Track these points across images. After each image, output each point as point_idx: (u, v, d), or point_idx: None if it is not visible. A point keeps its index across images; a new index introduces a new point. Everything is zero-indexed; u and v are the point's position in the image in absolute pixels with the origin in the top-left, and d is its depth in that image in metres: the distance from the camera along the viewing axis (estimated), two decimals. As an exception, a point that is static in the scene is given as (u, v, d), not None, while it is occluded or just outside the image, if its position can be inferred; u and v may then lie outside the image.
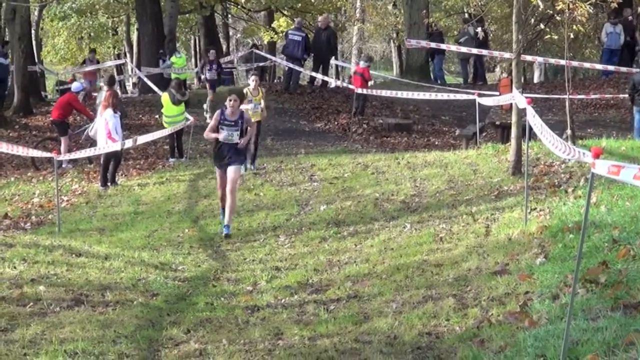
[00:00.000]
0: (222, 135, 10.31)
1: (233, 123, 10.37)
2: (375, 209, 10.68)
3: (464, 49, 22.59)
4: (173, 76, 22.00)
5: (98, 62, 25.50)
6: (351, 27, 40.53)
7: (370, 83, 21.44)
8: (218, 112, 10.57)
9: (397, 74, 32.47)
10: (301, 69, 21.83)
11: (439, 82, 23.65)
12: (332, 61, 24.92)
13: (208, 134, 10.54)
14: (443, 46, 22.61)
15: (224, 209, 10.62)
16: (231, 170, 10.39)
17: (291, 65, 21.65)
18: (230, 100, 10.47)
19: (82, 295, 6.97)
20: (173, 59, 23.66)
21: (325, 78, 22.66)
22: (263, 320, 6.42)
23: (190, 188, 13.48)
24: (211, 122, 10.60)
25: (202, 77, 21.68)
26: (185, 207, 12.21)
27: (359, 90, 19.02)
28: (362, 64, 20.68)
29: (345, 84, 22.92)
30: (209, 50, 22.35)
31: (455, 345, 5.39)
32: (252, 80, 13.65)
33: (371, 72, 21.17)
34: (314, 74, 22.45)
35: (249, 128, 10.90)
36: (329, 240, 9.46)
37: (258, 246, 9.53)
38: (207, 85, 20.82)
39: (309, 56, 22.27)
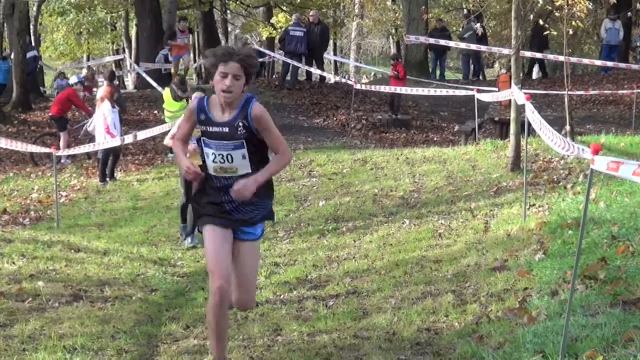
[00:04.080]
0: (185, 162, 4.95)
1: (227, 128, 4.77)
2: (374, 205, 10.67)
3: (462, 45, 22.55)
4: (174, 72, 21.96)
5: (191, 32, 24.01)
6: (350, 23, 40.51)
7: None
8: (193, 102, 4.94)
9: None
10: (301, 65, 21.79)
11: (442, 79, 23.62)
12: (331, 57, 24.85)
13: (174, 146, 5.20)
14: (442, 42, 22.55)
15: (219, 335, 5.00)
16: (245, 252, 5.01)
17: (290, 61, 21.60)
18: (222, 77, 4.67)
19: (81, 291, 6.97)
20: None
21: (323, 73, 22.62)
22: (262, 317, 6.42)
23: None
24: (181, 125, 5.20)
25: None
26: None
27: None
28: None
29: (344, 80, 22.86)
30: None
31: (454, 342, 5.39)
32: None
33: (370, 67, 21.08)
34: (312, 69, 22.44)
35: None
36: (328, 236, 9.45)
37: (257, 242, 9.51)
38: None
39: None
